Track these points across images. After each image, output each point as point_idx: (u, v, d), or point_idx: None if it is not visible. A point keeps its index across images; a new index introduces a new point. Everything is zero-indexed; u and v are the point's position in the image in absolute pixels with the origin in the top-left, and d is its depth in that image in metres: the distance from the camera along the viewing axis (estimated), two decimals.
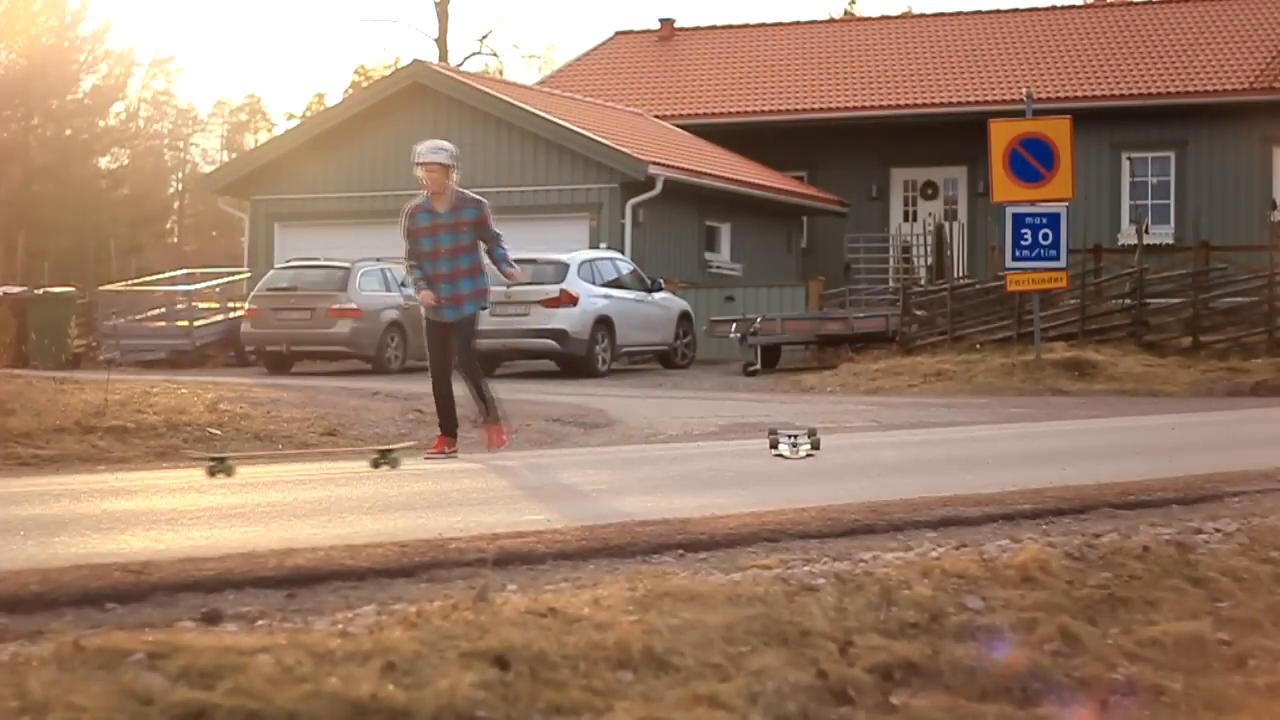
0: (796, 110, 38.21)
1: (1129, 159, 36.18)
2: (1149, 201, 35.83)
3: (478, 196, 12.82)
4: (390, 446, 12.28)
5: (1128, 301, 26.95)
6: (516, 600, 5.70)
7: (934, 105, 37.27)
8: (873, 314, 29.29)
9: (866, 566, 6.67)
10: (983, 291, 27.75)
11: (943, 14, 42.93)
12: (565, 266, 26.79)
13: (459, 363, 12.92)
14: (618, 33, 44.65)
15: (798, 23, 43.85)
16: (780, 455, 11.78)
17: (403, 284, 28.92)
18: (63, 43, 57.90)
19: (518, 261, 31.08)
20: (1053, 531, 7.79)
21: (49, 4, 57.50)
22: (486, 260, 12.95)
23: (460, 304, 12.77)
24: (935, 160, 37.71)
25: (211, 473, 10.70)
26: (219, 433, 14.75)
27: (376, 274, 28.42)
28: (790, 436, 12.04)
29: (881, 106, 37.62)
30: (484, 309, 13.08)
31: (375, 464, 11.53)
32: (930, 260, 34.01)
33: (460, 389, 12.94)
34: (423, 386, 21.91)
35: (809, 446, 11.89)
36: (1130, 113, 35.83)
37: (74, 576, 6.19)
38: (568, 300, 26.35)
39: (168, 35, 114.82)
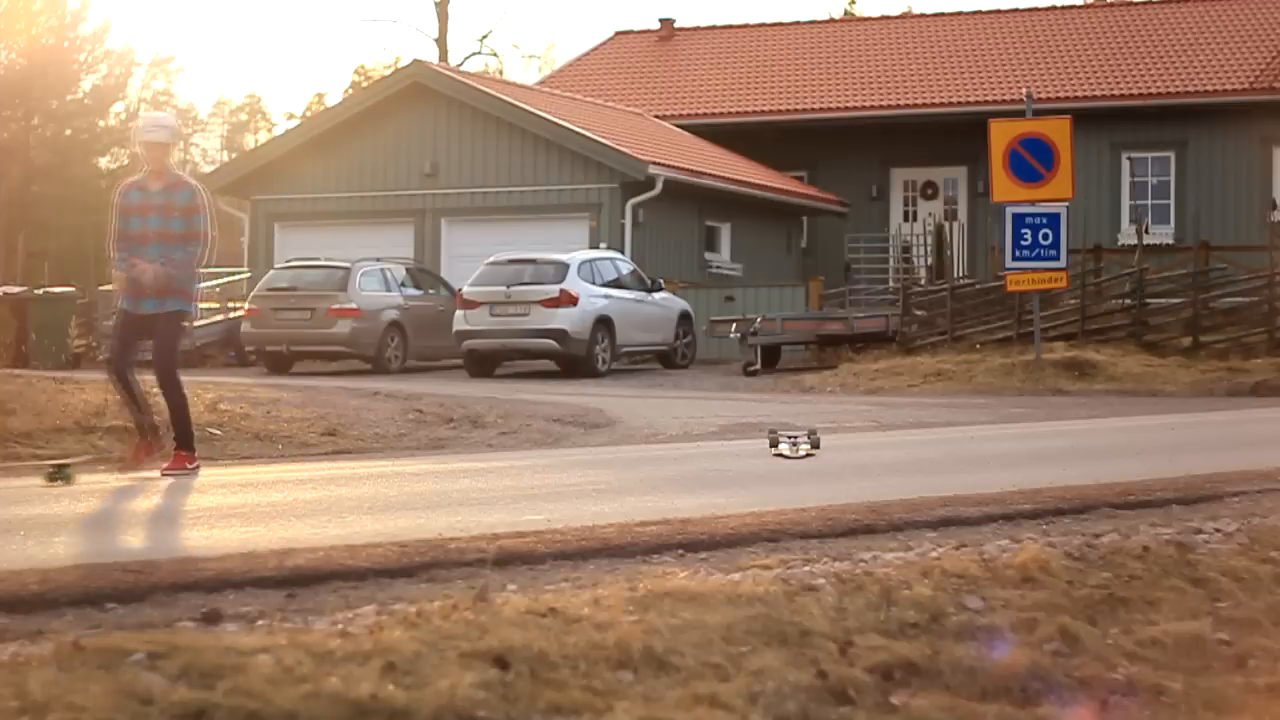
0: (796, 110, 38.20)
1: (1129, 159, 36.17)
2: (1149, 201, 35.82)
3: (194, 182, 11.43)
4: (65, 461, 11.06)
5: (1128, 301, 26.95)
6: (516, 600, 5.70)
7: (934, 105, 37.26)
8: (873, 314, 29.29)
9: (867, 566, 6.67)
10: (983, 291, 27.75)
11: (943, 14, 42.94)
12: (565, 266, 26.80)
13: (157, 367, 11.14)
14: (618, 33, 44.65)
15: (798, 23, 43.85)
16: (780, 455, 11.80)
17: (403, 284, 29.02)
18: (63, 43, 57.87)
19: (517, 261, 30.79)
20: (1053, 531, 7.79)
21: (49, 4, 57.47)
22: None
23: (164, 297, 11.08)
24: (935, 160, 37.70)
25: None
26: (219, 433, 14.75)
27: (376, 274, 28.43)
28: (790, 436, 12.05)
29: (881, 106, 37.61)
30: (188, 311, 11.39)
31: (50, 478, 10.33)
32: (930, 260, 34.01)
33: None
34: (423, 387, 21.96)
35: (808, 446, 11.92)
36: (1130, 113, 35.82)
37: (74, 576, 6.19)
38: (568, 300, 26.36)
39: (168, 35, 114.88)
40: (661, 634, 5.33)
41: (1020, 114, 25.69)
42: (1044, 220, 23.82)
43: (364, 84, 62.77)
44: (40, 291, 30.81)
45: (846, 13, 62.22)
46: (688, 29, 44.00)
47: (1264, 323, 25.95)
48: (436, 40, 59.36)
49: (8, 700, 4.36)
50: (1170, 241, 33.08)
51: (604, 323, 26.85)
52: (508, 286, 26.51)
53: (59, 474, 10.39)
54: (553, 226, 31.44)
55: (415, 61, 36.91)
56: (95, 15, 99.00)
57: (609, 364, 27.04)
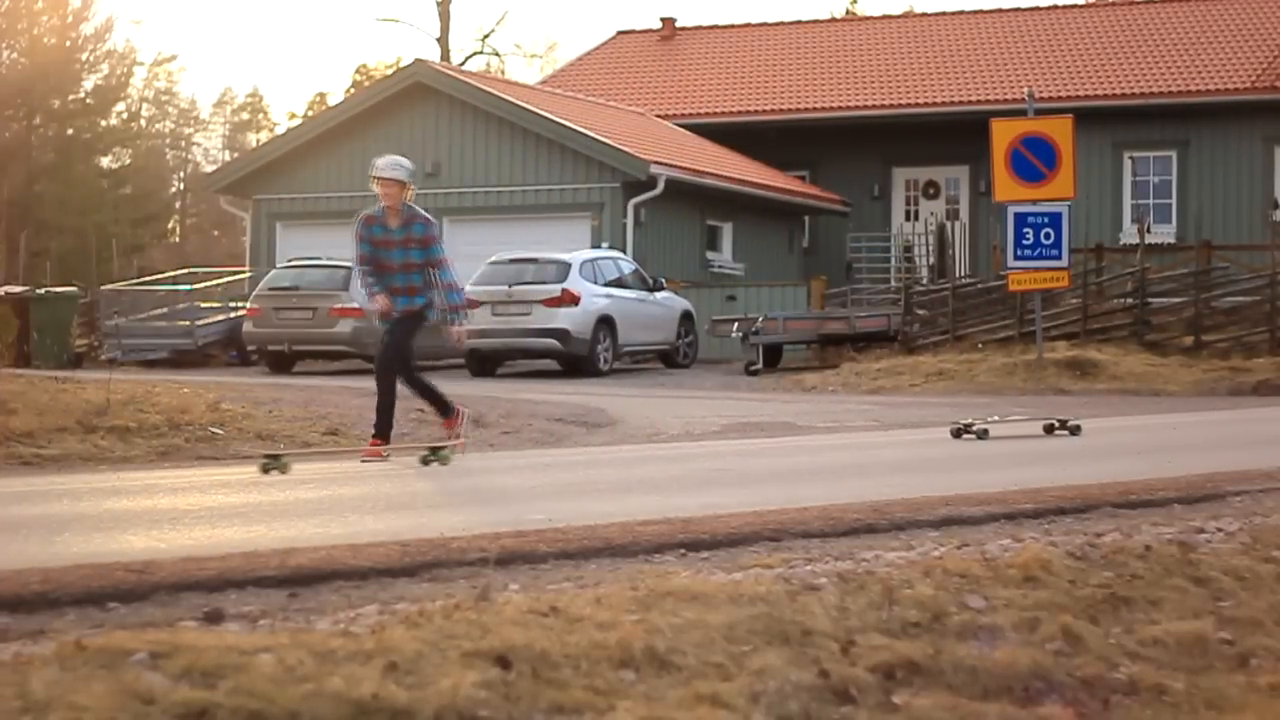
0: (798, 110, 38.20)
1: (1131, 158, 36.16)
2: (1151, 201, 35.82)
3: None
4: (278, 452, 11.61)
5: (1129, 301, 26.95)
6: (518, 600, 5.70)
7: (935, 105, 37.26)
8: (874, 313, 29.28)
9: (869, 566, 6.67)
10: (984, 291, 27.74)
11: (944, 13, 42.93)
12: (567, 266, 26.80)
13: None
14: (619, 32, 44.67)
15: (799, 22, 43.86)
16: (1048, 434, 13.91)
17: None
18: (65, 42, 57.84)
19: (519, 260, 30.93)
20: (1055, 531, 7.79)
21: (51, 3, 57.44)
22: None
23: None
24: (937, 160, 37.70)
25: None
26: (221, 432, 14.75)
27: None
28: (1060, 420, 14.25)
29: (883, 106, 37.61)
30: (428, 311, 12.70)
31: (265, 469, 10.94)
32: (932, 260, 34.00)
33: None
34: None
35: (1067, 434, 14.06)
36: (1132, 112, 35.82)
37: (76, 576, 6.18)
38: (570, 300, 26.36)
39: (170, 34, 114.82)
40: (663, 633, 5.33)
41: (1022, 113, 25.66)
42: (1046, 219, 23.80)
43: (365, 83, 62.76)
44: (42, 291, 30.81)
45: (848, 12, 62.23)
46: (689, 28, 44.01)
47: (1266, 322, 25.95)
48: (438, 40, 59.40)
49: (10, 700, 4.36)
50: (1172, 241, 33.10)
51: (606, 322, 26.85)
52: (509, 286, 26.50)
53: (274, 463, 10.99)
54: (555, 226, 31.44)
55: (417, 61, 36.90)
56: (97, 14, 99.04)
57: (611, 363, 27.04)
